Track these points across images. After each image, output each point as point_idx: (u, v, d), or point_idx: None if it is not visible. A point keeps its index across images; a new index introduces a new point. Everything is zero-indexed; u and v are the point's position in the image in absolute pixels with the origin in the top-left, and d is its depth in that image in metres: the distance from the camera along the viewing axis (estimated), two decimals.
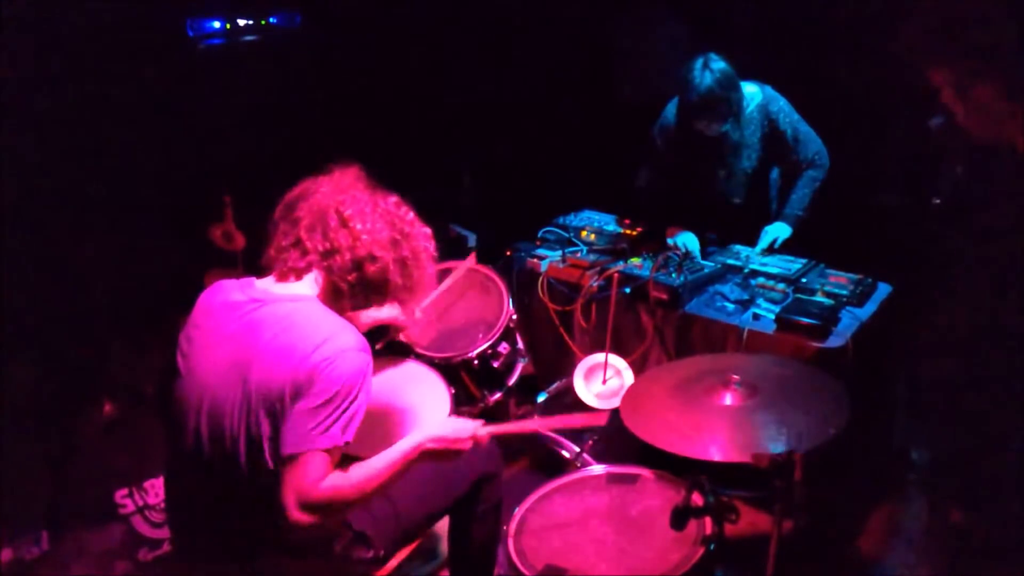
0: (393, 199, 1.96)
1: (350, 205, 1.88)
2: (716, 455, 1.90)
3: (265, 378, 1.75)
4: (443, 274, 3.12)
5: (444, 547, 2.56)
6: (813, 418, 1.97)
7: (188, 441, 1.82)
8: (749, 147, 3.31)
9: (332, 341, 1.77)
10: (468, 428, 2.02)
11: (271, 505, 1.73)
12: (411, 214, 1.97)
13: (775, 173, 3.49)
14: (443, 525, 2.37)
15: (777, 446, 1.81)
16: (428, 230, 2.00)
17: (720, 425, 2.02)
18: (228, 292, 1.90)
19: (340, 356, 1.75)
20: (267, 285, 1.90)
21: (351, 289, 1.87)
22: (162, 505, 2.87)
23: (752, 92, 3.27)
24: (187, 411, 1.82)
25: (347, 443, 1.76)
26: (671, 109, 3.33)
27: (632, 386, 2.40)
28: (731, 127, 3.19)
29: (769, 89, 3.28)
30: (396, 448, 1.89)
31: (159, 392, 1.96)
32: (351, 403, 1.75)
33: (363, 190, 1.93)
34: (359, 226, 1.86)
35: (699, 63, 3.07)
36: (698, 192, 3.46)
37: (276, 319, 1.80)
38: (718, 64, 3.06)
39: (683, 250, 3.24)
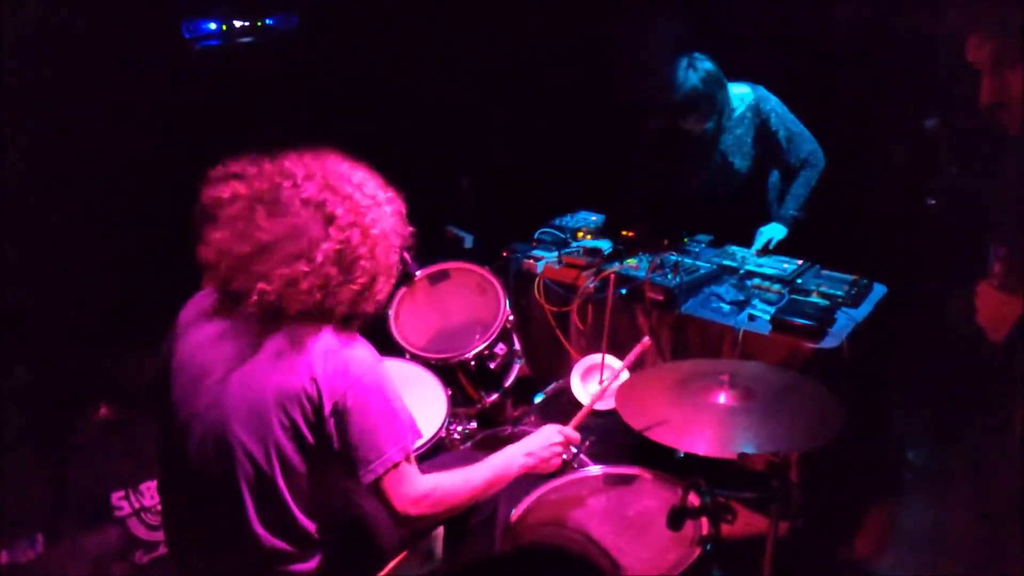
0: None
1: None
2: (701, 449, 1.91)
3: (276, 391, 1.73)
4: (438, 275, 3.13)
5: (441, 547, 2.55)
6: (805, 425, 1.98)
7: (190, 453, 1.79)
8: (742, 147, 3.32)
9: (336, 349, 1.75)
10: (555, 435, 2.13)
11: (280, 516, 1.76)
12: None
13: (775, 176, 3.50)
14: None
15: (751, 448, 1.82)
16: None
17: (711, 422, 2.01)
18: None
19: (352, 362, 1.75)
20: None
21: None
22: (158, 508, 2.86)
23: (744, 92, 3.30)
24: (189, 421, 1.79)
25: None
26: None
27: (629, 380, 2.40)
28: (714, 124, 3.27)
29: (761, 89, 3.31)
30: (496, 461, 2.01)
31: (150, 395, 1.93)
32: (393, 401, 1.79)
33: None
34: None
35: (684, 62, 3.18)
36: (685, 192, 3.48)
37: (276, 334, 1.78)
38: (703, 64, 3.18)
39: None
